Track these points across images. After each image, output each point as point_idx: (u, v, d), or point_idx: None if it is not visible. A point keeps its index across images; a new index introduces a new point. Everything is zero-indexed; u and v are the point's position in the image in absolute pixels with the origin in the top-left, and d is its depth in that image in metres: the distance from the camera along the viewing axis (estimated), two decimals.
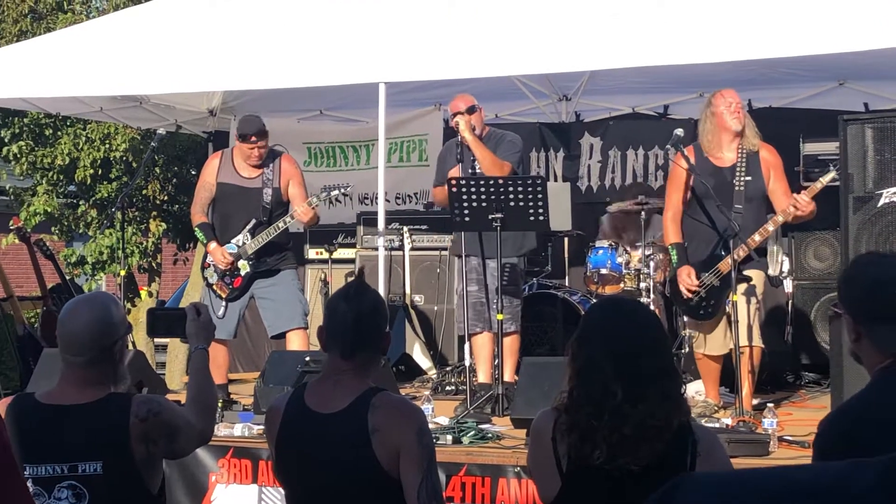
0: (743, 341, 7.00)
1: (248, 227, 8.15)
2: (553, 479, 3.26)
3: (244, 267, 8.17)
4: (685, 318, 7.91)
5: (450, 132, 9.59)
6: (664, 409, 3.18)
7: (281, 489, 3.89)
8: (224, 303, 8.20)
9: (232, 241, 8.17)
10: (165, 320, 4.21)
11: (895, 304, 3.05)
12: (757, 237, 7.10)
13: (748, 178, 7.22)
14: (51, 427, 3.70)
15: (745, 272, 7.10)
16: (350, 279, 10.42)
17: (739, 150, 7.27)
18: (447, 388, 8.75)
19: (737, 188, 7.21)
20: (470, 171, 7.81)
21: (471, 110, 7.87)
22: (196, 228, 8.41)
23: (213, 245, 8.19)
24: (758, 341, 7.19)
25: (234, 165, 8.28)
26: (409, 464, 3.51)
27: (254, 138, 8.12)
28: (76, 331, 3.73)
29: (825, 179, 7.02)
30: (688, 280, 7.22)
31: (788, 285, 9.12)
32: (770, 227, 7.15)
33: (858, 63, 8.83)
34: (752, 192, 7.21)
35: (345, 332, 3.65)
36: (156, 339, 13.42)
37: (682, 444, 3.21)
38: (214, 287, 8.26)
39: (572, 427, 3.21)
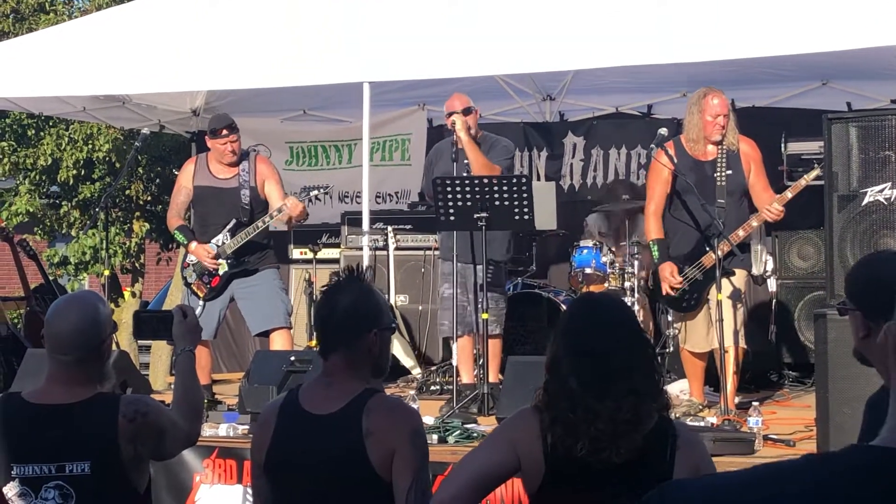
0: (727, 341, 7.02)
1: (227, 227, 8.14)
2: (538, 472, 3.30)
3: (222, 266, 8.16)
4: (670, 316, 7.94)
5: (433, 132, 9.59)
6: (631, 404, 3.22)
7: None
8: (202, 302, 8.19)
9: (212, 241, 8.16)
10: (152, 323, 4.20)
11: None
12: (741, 232, 7.18)
13: (729, 172, 7.28)
14: (38, 426, 3.68)
15: (730, 268, 7.15)
16: (334, 278, 10.42)
17: (720, 148, 7.32)
18: (432, 387, 8.75)
19: (718, 183, 7.27)
20: (465, 172, 7.79)
21: (467, 111, 7.88)
22: (175, 232, 8.41)
23: (193, 245, 8.19)
24: (741, 341, 7.23)
25: (209, 168, 8.28)
26: (401, 466, 3.50)
27: (224, 132, 8.12)
28: (65, 330, 3.71)
29: (809, 177, 7.10)
30: (670, 277, 7.26)
31: (772, 284, 9.14)
32: (754, 222, 7.23)
33: (841, 62, 8.86)
34: (734, 186, 7.27)
35: (318, 332, 3.67)
36: (140, 340, 13.39)
37: (663, 438, 3.26)
38: (193, 287, 8.27)
39: (554, 421, 3.25)
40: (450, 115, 7.90)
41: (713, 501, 1.37)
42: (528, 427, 3.32)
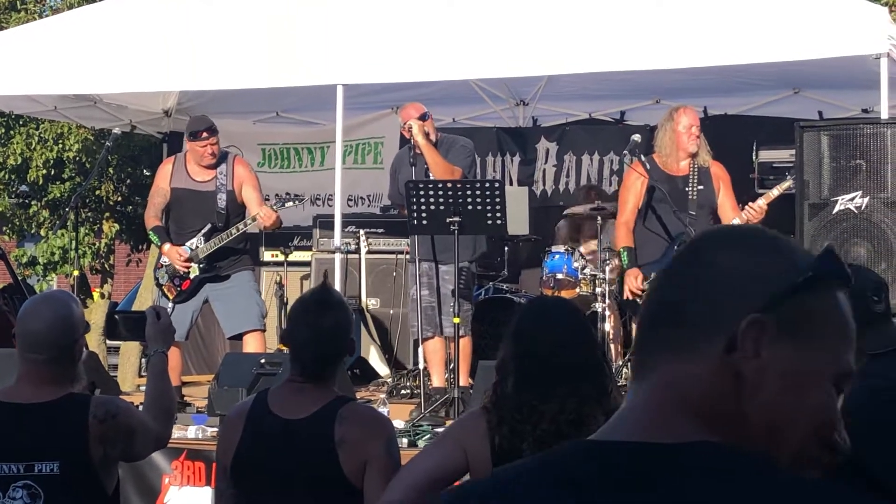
0: None
1: (202, 232, 8.10)
2: (485, 472, 3.32)
3: (194, 270, 8.12)
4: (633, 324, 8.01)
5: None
6: (574, 405, 3.24)
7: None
8: (171, 304, 8.15)
9: (186, 244, 8.12)
10: (125, 323, 4.19)
11: (870, 310, 3.30)
12: None
13: (700, 188, 7.42)
14: (7, 426, 3.65)
15: None
16: (305, 281, 10.34)
17: (692, 164, 7.44)
18: (402, 391, 8.73)
19: (690, 197, 7.39)
20: (423, 176, 7.83)
21: (423, 118, 7.91)
22: (150, 232, 8.38)
23: (167, 246, 8.14)
24: None
25: (187, 170, 8.23)
26: (375, 475, 3.50)
27: (205, 134, 8.08)
28: (38, 329, 3.69)
29: (783, 187, 7.18)
30: (634, 282, 7.41)
31: None
32: None
33: (813, 71, 8.91)
34: (704, 201, 7.45)
35: (304, 357, 3.63)
36: (108, 341, 13.32)
37: None
38: (164, 288, 8.24)
39: (500, 422, 3.29)
40: (406, 123, 7.94)
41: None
42: (476, 427, 3.37)
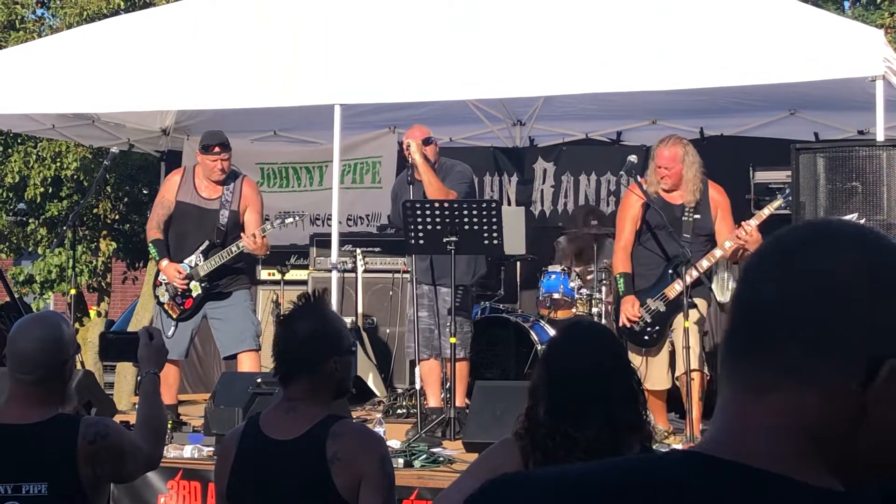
0: (688, 367, 7.08)
1: (201, 249, 8.08)
2: None
3: (196, 289, 8.09)
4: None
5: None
6: (608, 433, 3.19)
7: None
8: (174, 322, 8.13)
9: (185, 261, 8.10)
10: (118, 344, 4.19)
11: None
12: (705, 262, 7.29)
13: (697, 217, 7.42)
14: None
15: (692, 299, 7.23)
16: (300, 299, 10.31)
17: (685, 196, 7.46)
18: (398, 411, 8.73)
19: (685, 223, 7.41)
20: (422, 197, 7.83)
21: (426, 142, 7.91)
22: (150, 244, 8.32)
23: (164, 262, 8.10)
24: (705, 368, 7.29)
25: (195, 185, 8.19)
26: (370, 492, 3.49)
27: (217, 149, 8.05)
28: (27, 348, 3.69)
29: (773, 206, 7.20)
30: (630, 310, 7.38)
31: None
32: (717, 252, 7.31)
33: (809, 93, 8.92)
34: (699, 229, 7.45)
35: (277, 361, 3.63)
36: (105, 362, 13.32)
37: None
38: (165, 306, 8.19)
39: (534, 448, 3.24)
40: (406, 142, 7.95)
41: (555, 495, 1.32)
42: (508, 454, 3.31)
